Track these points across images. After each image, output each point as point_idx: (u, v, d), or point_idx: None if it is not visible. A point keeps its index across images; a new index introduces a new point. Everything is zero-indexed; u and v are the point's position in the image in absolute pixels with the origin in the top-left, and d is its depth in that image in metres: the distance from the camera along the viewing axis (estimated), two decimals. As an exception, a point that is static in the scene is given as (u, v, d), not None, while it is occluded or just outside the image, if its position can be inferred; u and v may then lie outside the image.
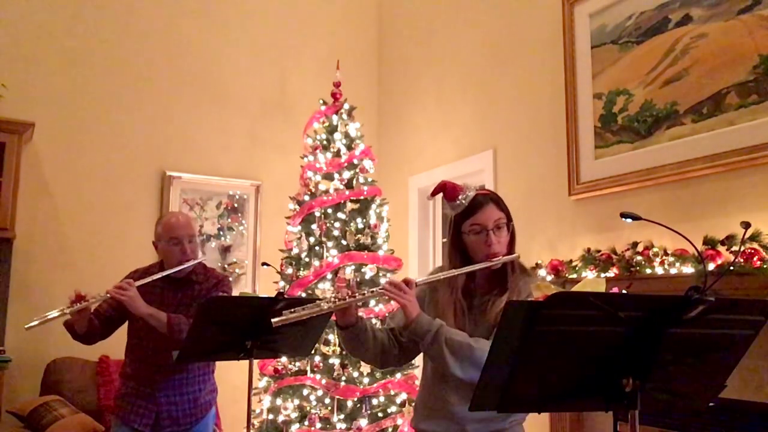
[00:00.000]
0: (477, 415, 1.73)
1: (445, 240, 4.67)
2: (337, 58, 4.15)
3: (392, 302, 3.48)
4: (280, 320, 1.76)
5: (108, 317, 2.60)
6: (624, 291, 2.56)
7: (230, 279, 2.81)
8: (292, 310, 1.78)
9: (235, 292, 4.42)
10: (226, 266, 4.65)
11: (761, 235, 2.34)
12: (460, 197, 1.85)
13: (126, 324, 2.68)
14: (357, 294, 1.80)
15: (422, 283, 1.86)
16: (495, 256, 1.81)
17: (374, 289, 1.82)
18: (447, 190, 1.87)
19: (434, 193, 1.92)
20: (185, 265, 2.57)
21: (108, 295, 2.41)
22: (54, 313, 2.35)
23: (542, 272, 3.17)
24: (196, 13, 4.73)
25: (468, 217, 1.84)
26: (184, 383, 2.59)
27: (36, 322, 2.32)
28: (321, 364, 3.38)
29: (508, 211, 1.88)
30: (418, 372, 3.44)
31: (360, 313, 1.89)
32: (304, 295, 3.48)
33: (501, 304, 1.78)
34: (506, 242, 1.85)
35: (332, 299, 1.80)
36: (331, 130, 3.80)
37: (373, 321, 3.47)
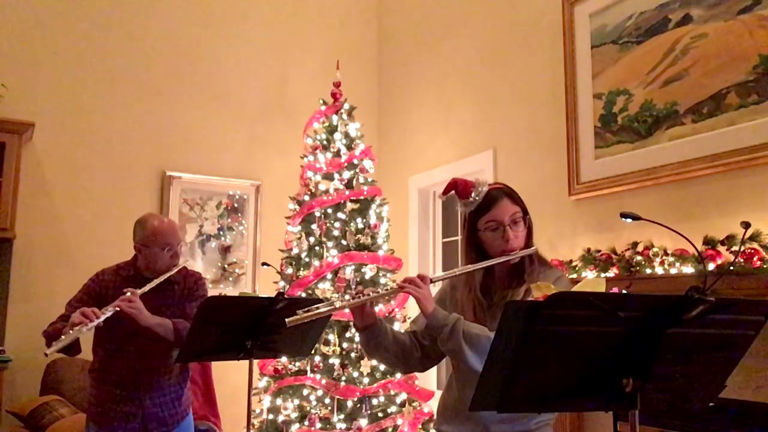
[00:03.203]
0: (501, 416, 1.68)
1: (445, 240, 4.67)
2: (337, 58, 4.15)
3: (393, 302, 3.50)
4: (294, 320, 1.72)
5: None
6: (624, 291, 2.55)
7: (204, 279, 2.73)
8: (306, 309, 1.72)
9: (235, 292, 4.47)
10: (226, 266, 4.65)
11: (761, 235, 2.35)
12: (472, 194, 1.81)
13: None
14: (371, 292, 1.75)
15: (437, 279, 1.81)
16: (512, 251, 1.76)
17: (389, 287, 1.79)
18: (459, 188, 1.83)
19: (446, 192, 1.87)
20: (174, 270, 2.54)
21: (117, 308, 2.31)
22: (73, 336, 2.21)
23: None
24: (196, 13, 4.74)
25: (483, 214, 1.80)
26: (167, 383, 2.54)
27: (54, 348, 2.20)
28: (321, 364, 3.38)
29: (523, 204, 1.84)
30: (418, 372, 3.44)
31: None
32: (304, 295, 3.48)
33: (519, 295, 1.74)
34: (524, 236, 1.81)
35: (347, 298, 1.76)
36: (331, 130, 3.80)
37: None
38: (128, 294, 2.36)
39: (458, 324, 1.68)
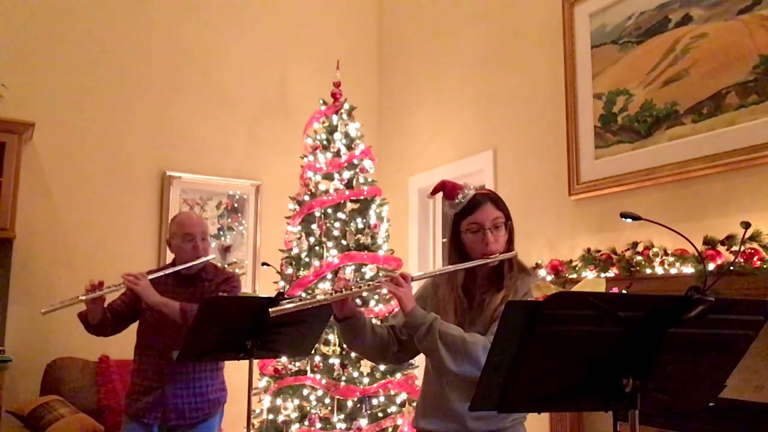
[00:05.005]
0: (477, 413, 1.74)
1: (445, 240, 4.67)
2: (337, 58, 4.14)
3: (393, 302, 3.50)
4: (277, 310, 1.79)
5: (120, 312, 2.67)
6: (624, 291, 2.56)
7: (238, 276, 2.87)
8: (290, 300, 1.80)
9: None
10: (226, 266, 4.64)
11: (761, 235, 2.35)
12: (459, 196, 1.87)
13: (136, 324, 2.74)
14: (354, 287, 1.82)
15: (418, 278, 1.87)
16: (491, 255, 1.82)
17: (371, 282, 1.85)
18: (446, 189, 1.89)
19: (434, 192, 1.94)
20: (197, 262, 2.66)
21: (123, 284, 2.49)
22: (71, 301, 2.42)
23: (542, 272, 3.17)
24: (197, 13, 4.73)
25: (466, 216, 1.86)
26: (192, 378, 2.64)
27: (51, 308, 2.39)
28: (321, 364, 3.38)
29: (506, 210, 1.90)
30: (418, 372, 3.44)
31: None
32: (304, 295, 3.48)
33: (497, 300, 1.80)
34: (504, 241, 1.87)
35: (330, 291, 1.83)
36: (331, 130, 3.80)
37: (373, 321, 3.47)
38: (137, 273, 2.55)
39: (435, 324, 1.74)
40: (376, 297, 3.51)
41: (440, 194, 1.94)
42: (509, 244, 1.89)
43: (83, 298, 2.43)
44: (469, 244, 1.86)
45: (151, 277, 2.55)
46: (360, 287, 1.83)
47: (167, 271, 2.62)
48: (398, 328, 1.93)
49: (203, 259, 2.68)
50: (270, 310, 1.78)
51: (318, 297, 1.80)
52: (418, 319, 1.75)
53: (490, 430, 1.79)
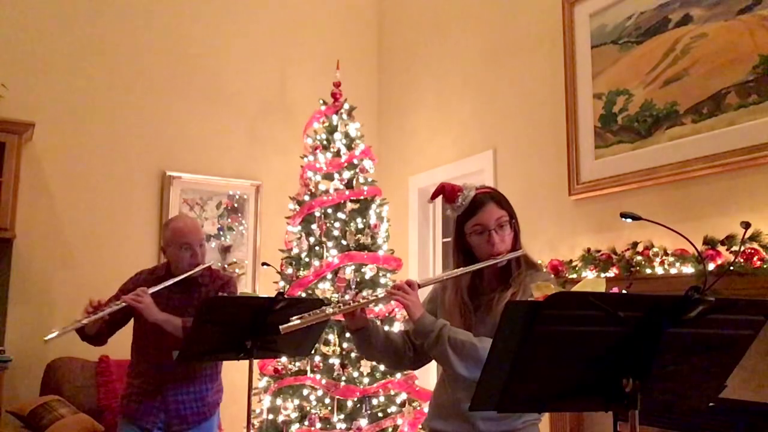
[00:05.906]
0: (489, 414, 1.72)
1: (445, 240, 4.67)
2: (337, 58, 4.14)
3: (393, 302, 3.49)
4: (288, 327, 1.78)
5: (114, 319, 2.61)
6: (624, 291, 2.55)
7: (235, 280, 2.83)
8: (300, 316, 1.80)
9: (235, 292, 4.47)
10: (226, 266, 4.65)
11: (761, 235, 2.35)
12: (459, 198, 1.84)
13: (130, 324, 2.70)
14: (361, 299, 1.82)
15: (425, 284, 1.86)
16: (499, 255, 1.80)
17: (378, 293, 1.85)
18: (446, 192, 1.86)
19: (434, 196, 1.91)
20: (196, 270, 2.60)
21: (123, 303, 2.44)
22: (72, 326, 2.38)
23: (542, 272, 3.17)
24: (197, 13, 4.73)
25: (469, 218, 1.83)
26: (192, 381, 2.61)
27: (54, 334, 2.35)
28: (321, 364, 3.38)
29: (510, 207, 1.87)
30: (418, 372, 3.44)
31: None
32: (304, 295, 3.48)
33: (506, 299, 1.77)
34: (510, 240, 1.84)
35: (338, 304, 1.82)
36: (331, 130, 3.80)
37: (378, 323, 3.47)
38: (138, 290, 2.49)
39: (444, 330, 1.72)
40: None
41: (440, 196, 1.92)
42: (516, 242, 1.86)
43: (85, 321, 2.38)
44: (475, 246, 1.83)
45: (152, 290, 2.49)
46: (367, 298, 1.82)
47: (168, 284, 2.55)
48: (413, 334, 1.91)
49: (201, 266, 2.62)
50: (281, 327, 1.78)
51: (327, 311, 1.80)
52: (427, 326, 1.74)
53: (501, 431, 1.78)
